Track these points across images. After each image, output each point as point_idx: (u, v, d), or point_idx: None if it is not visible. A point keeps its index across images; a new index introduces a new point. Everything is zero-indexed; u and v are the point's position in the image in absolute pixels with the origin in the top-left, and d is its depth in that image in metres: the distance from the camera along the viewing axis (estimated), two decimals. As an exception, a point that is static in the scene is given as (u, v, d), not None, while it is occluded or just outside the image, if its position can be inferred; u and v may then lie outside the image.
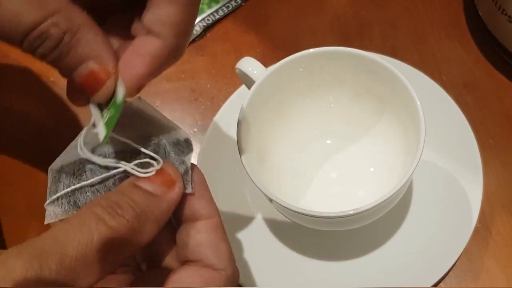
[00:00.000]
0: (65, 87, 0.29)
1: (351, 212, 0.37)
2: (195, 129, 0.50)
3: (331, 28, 0.54)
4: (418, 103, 0.38)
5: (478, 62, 0.51)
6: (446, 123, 0.46)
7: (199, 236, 0.30)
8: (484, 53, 0.51)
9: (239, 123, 0.39)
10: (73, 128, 0.51)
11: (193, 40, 0.54)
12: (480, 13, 0.50)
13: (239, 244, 0.45)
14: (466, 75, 0.50)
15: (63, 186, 0.30)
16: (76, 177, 0.30)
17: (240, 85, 0.49)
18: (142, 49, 0.28)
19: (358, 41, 0.52)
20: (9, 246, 0.47)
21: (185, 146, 0.31)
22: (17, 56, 0.54)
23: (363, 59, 0.41)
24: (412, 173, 0.37)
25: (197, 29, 0.54)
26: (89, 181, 0.29)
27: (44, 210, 0.48)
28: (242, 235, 0.45)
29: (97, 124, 0.28)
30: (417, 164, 0.37)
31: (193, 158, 0.48)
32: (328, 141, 0.46)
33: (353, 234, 0.44)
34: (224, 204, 0.46)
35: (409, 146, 0.41)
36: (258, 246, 0.44)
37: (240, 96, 0.48)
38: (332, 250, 0.44)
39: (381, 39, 0.52)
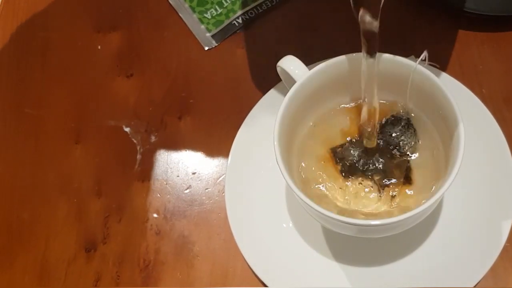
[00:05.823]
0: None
1: (378, 222, 0.37)
2: (230, 121, 0.50)
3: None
4: (461, 124, 0.38)
5: (520, 78, 0.50)
6: (483, 137, 0.46)
7: None
8: (527, 70, 0.50)
9: (277, 121, 0.40)
10: (105, 106, 0.52)
11: (234, 32, 0.54)
12: (527, 28, 0.50)
13: (267, 245, 0.45)
14: (507, 90, 0.49)
15: None
16: None
17: (278, 81, 0.49)
18: None
19: (399, 49, 0.52)
20: (40, 223, 0.48)
21: None
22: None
23: (406, 66, 0.41)
24: (445, 191, 0.37)
25: (240, 22, 0.54)
26: None
27: (74, 188, 0.49)
28: (271, 235, 0.45)
29: None
30: (450, 184, 0.37)
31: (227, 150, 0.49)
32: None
33: (379, 243, 0.43)
34: (254, 200, 0.46)
35: (446, 155, 0.41)
36: (287, 248, 0.45)
37: (277, 92, 0.48)
38: (356, 257, 0.44)
39: (422, 47, 0.52)
